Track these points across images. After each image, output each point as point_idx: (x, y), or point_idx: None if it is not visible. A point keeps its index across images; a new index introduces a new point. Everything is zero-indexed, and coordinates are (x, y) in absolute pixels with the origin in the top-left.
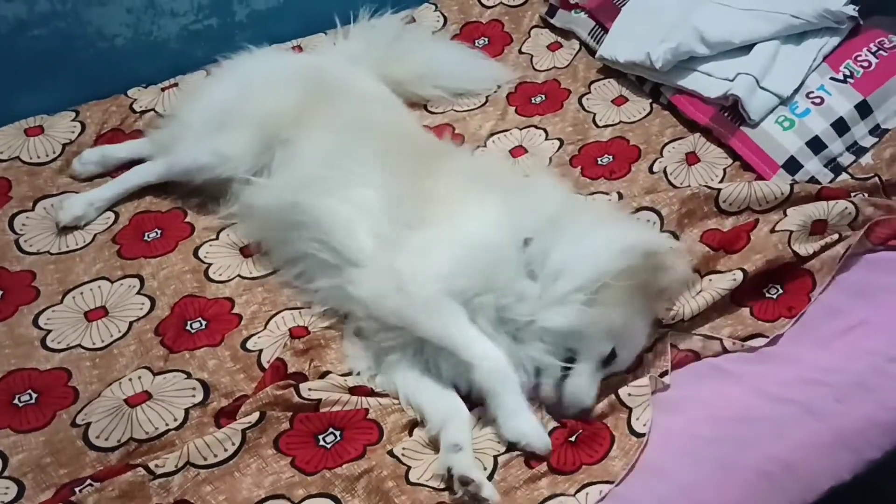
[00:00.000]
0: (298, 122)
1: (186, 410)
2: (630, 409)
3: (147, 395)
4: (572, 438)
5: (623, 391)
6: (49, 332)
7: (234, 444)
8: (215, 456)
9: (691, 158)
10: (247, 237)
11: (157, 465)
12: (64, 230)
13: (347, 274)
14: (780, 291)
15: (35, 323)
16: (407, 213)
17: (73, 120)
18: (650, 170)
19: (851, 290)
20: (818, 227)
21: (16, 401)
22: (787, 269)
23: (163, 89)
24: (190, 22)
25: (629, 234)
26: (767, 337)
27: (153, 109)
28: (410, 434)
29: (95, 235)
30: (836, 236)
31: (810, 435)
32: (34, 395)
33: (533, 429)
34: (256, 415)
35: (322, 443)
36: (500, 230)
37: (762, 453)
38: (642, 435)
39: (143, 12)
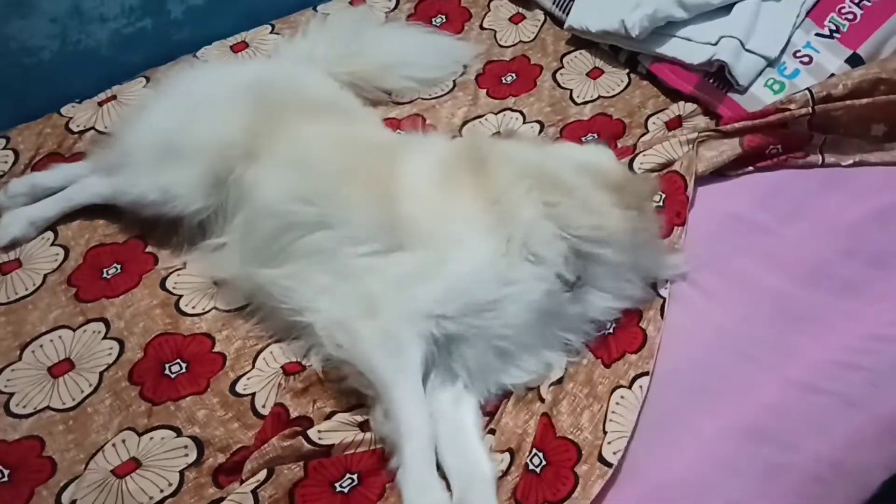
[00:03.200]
0: (249, 151)
1: (181, 473)
2: (605, 434)
3: (136, 463)
4: (536, 469)
5: (613, 401)
6: (11, 395)
7: None
8: None
9: (672, 123)
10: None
11: None
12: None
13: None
14: (662, 195)
15: None
16: (379, 241)
17: (4, 148)
18: (634, 147)
19: (871, 259)
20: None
21: None
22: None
23: (100, 104)
24: (121, 25)
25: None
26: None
27: (93, 128)
28: None
29: (46, 276)
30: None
31: (853, 427)
32: (5, 472)
33: None
34: (265, 472)
35: (339, 489)
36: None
37: (807, 454)
38: (610, 465)
39: (69, 20)
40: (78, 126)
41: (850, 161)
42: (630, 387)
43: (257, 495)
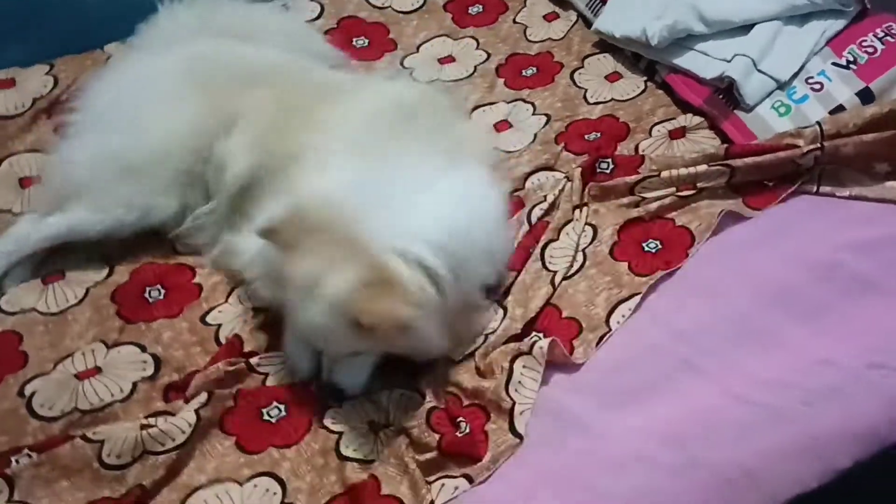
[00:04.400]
0: (213, 133)
1: (134, 384)
2: (514, 403)
3: (97, 370)
4: (459, 433)
5: (517, 368)
6: (2, 294)
7: (189, 424)
8: (173, 440)
9: (675, 133)
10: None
11: (95, 433)
12: None
13: None
14: (660, 246)
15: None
16: None
17: (47, 73)
18: (635, 150)
19: (843, 287)
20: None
21: None
22: (666, 227)
23: None
24: None
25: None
26: (640, 294)
27: None
28: None
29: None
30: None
31: (777, 439)
32: None
33: None
34: (205, 394)
35: (267, 417)
36: None
37: (723, 456)
38: (521, 437)
39: None
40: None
41: (847, 193)
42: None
43: (198, 414)
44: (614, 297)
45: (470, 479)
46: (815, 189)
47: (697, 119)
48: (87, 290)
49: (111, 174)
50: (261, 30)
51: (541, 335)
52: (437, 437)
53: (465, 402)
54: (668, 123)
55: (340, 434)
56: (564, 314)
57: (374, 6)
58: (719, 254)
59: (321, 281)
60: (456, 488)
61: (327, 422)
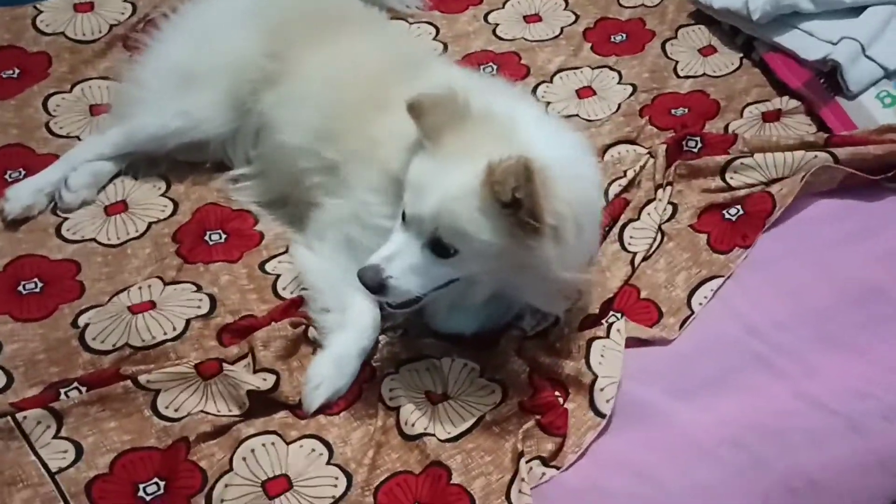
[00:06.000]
0: (268, 74)
1: (188, 321)
2: (595, 378)
3: (151, 305)
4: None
5: (595, 349)
6: (65, 220)
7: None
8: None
9: (769, 115)
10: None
11: (148, 381)
12: (14, 223)
13: None
14: (741, 212)
15: (53, 211)
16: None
17: (126, 0)
18: (724, 130)
19: None
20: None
21: (20, 288)
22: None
23: None
24: None
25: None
26: (722, 277)
27: None
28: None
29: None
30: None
31: (850, 452)
32: (40, 285)
33: (320, 380)
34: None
35: None
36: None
37: (791, 463)
38: (603, 416)
39: None
40: None
41: None
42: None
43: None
44: (694, 278)
45: (557, 468)
46: None
47: (794, 103)
48: (149, 225)
49: (170, 82)
50: None
51: (618, 315)
52: (524, 411)
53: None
54: (762, 105)
55: (398, 409)
56: (643, 294)
57: None
58: (802, 250)
59: (474, 154)
60: (543, 474)
61: (385, 393)
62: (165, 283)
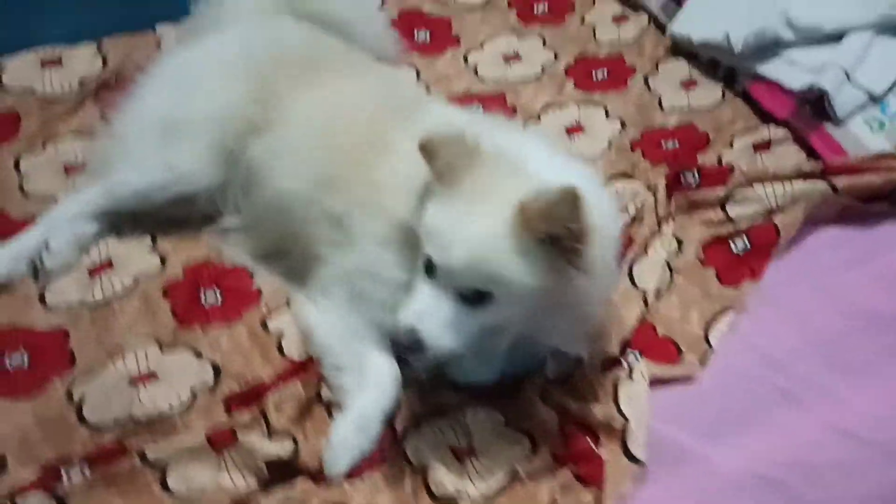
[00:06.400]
0: (256, 122)
1: (192, 391)
2: (626, 422)
3: (152, 375)
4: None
5: (622, 392)
6: (47, 286)
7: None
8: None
9: (760, 146)
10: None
11: (157, 456)
12: None
13: None
14: (747, 246)
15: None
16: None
17: (95, 53)
18: (718, 162)
19: None
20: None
21: (6, 362)
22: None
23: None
24: None
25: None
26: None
27: None
28: None
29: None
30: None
31: (889, 480)
32: (26, 358)
33: (343, 445)
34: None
35: None
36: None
37: (826, 499)
38: (639, 462)
39: None
40: (169, 45)
41: None
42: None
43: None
44: (707, 313)
45: None
46: None
47: (781, 131)
48: (137, 281)
49: (152, 135)
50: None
51: (637, 355)
52: (558, 463)
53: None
54: (750, 135)
55: (424, 469)
56: (660, 332)
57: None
58: (806, 278)
59: (495, 194)
60: None
61: (409, 452)
62: (163, 348)
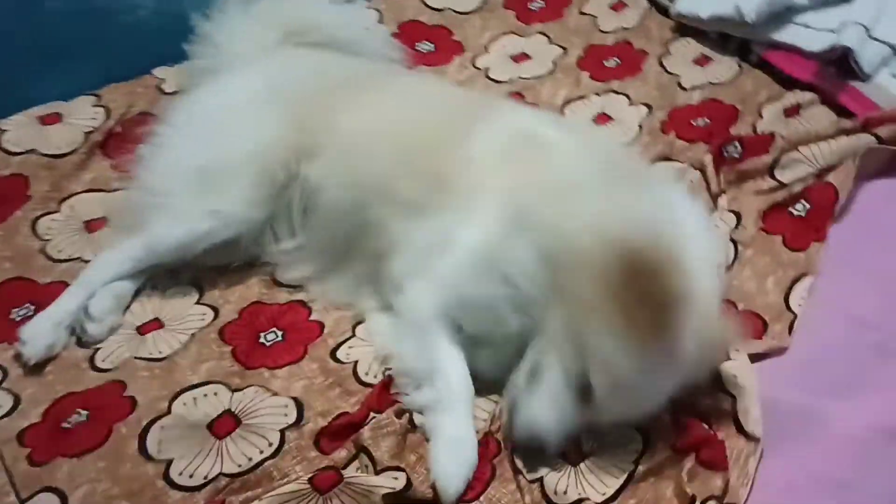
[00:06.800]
0: (303, 149)
1: (282, 432)
2: (735, 400)
3: (234, 421)
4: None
5: (724, 373)
6: (96, 350)
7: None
8: None
9: (790, 111)
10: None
11: None
12: (37, 367)
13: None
14: (807, 207)
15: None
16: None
17: (96, 105)
18: (752, 132)
19: None
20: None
21: (64, 424)
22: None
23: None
24: None
25: (622, 211)
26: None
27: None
28: None
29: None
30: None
31: None
32: (84, 414)
33: (447, 470)
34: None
35: None
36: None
37: None
38: (756, 439)
39: None
40: (171, 87)
41: None
42: None
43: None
44: (783, 280)
45: None
46: None
47: (808, 95)
48: (192, 335)
49: (189, 183)
50: (324, 36)
51: None
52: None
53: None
54: (778, 102)
55: (540, 480)
56: (741, 307)
57: (433, 8)
58: (872, 231)
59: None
60: None
61: (518, 465)
62: (232, 391)
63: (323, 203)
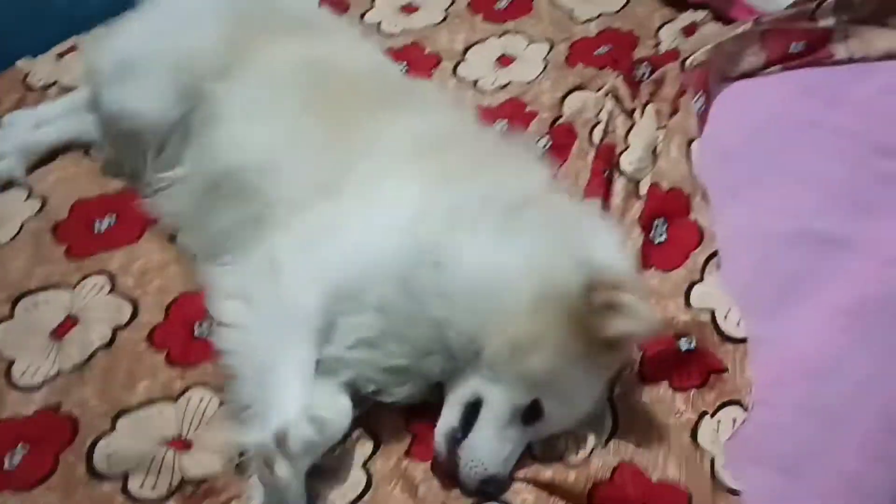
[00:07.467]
0: (221, 73)
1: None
2: (713, 458)
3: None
4: None
5: (702, 433)
6: (13, 362)
7: None
8: None
9: (689, 30)
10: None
11: None
12: None
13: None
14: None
15: None
16: (330, 174)
17: None
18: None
19: None
20: None
21: (4, 464)
22: None
23: (59, 55)
24: None
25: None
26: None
27: (56, 82)
28: None
29: (23, 225)
30: None
31: None
32: (25, 448)
33: None
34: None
35: None
36: (409, 231)
37: None
38: (737, 493)
39: None
40: (39, 80)
41: (880, 53)
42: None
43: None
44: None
45: None
46: (848, 58)
47: (701, 13)
48: (115, 333)
49: (116, 64)
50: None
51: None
52: None
53: None
54: (674, 23)
55: None
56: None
57: None
58: (790, 133)
59: None
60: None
61: None
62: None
63: (217, 130)
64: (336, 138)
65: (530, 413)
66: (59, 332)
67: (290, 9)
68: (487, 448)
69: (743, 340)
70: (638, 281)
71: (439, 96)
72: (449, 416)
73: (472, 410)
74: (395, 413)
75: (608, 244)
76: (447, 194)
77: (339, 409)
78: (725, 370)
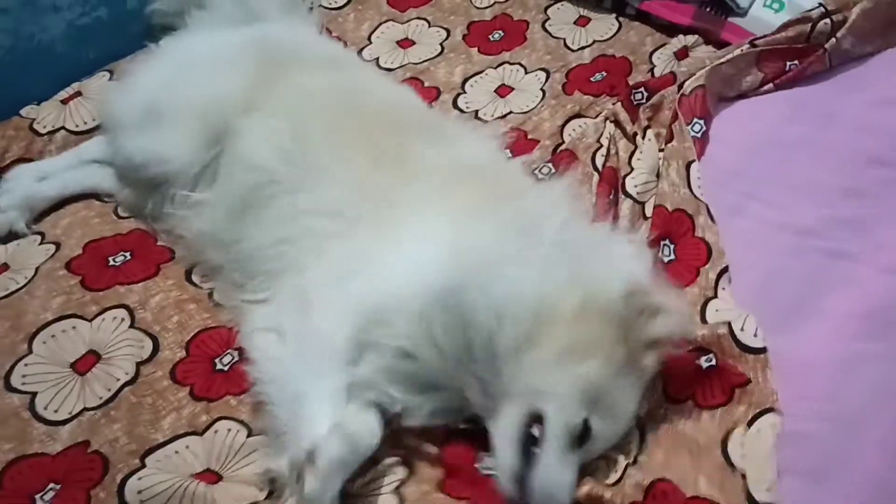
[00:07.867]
0: (248, 109)
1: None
2: (744, 473)
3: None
4: None
5: (732, 448)
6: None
7: None
8: None
9: (680, 54)
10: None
11: None
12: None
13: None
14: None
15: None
16: (360, 203)
17: None
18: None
19: None
20: None
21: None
22: None
23: (63, 102)
24: (76, 16)
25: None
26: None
27: (63, 127)
28: None
29: (38, 268)
30: None
31: None
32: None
33: None
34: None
35: None
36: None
37: None
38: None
39: (21, 10)
40: (45, 127)
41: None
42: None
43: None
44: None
45: None
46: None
47: (692, 38)
48: (138, 367)
49: (140, 111)
50: None
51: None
52: None
53: None
54: (666, 48)
55: None
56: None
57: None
58: (784, 151)
59: None
60: None
61: None
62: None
63: (239, 150)
64: (366, 168)
65: (582, 435)
66: (80, 367)
67: (314, 45)
68: (558, 480)
69: (763, 350)
70: (669, 286)
71: (466, 128)
72: (506, 456)
73: (528, 443)
74: (429, 440)
75: (638, 257)
76: (482, 223)
77: (368, 427)
78: (748, 382)
